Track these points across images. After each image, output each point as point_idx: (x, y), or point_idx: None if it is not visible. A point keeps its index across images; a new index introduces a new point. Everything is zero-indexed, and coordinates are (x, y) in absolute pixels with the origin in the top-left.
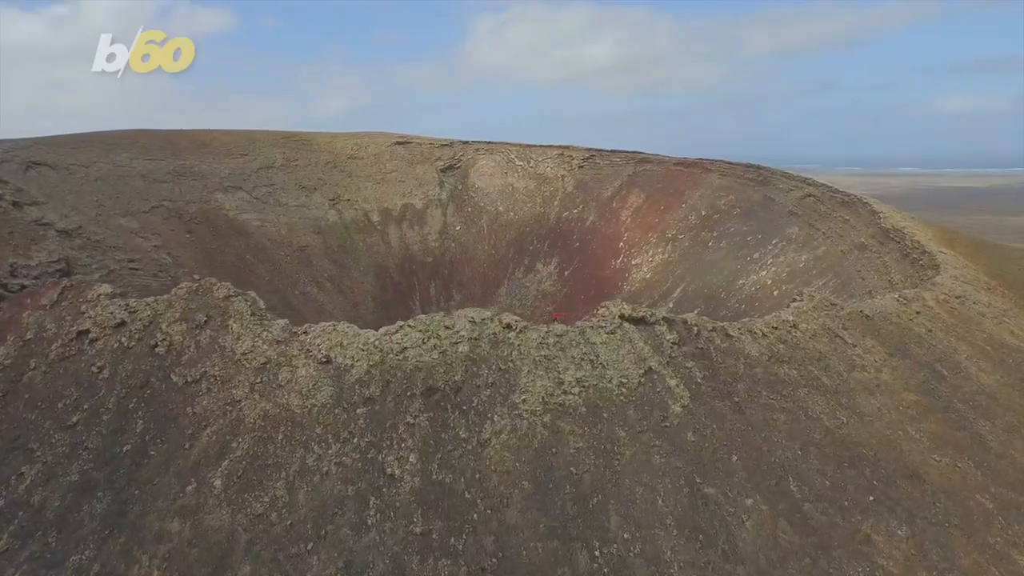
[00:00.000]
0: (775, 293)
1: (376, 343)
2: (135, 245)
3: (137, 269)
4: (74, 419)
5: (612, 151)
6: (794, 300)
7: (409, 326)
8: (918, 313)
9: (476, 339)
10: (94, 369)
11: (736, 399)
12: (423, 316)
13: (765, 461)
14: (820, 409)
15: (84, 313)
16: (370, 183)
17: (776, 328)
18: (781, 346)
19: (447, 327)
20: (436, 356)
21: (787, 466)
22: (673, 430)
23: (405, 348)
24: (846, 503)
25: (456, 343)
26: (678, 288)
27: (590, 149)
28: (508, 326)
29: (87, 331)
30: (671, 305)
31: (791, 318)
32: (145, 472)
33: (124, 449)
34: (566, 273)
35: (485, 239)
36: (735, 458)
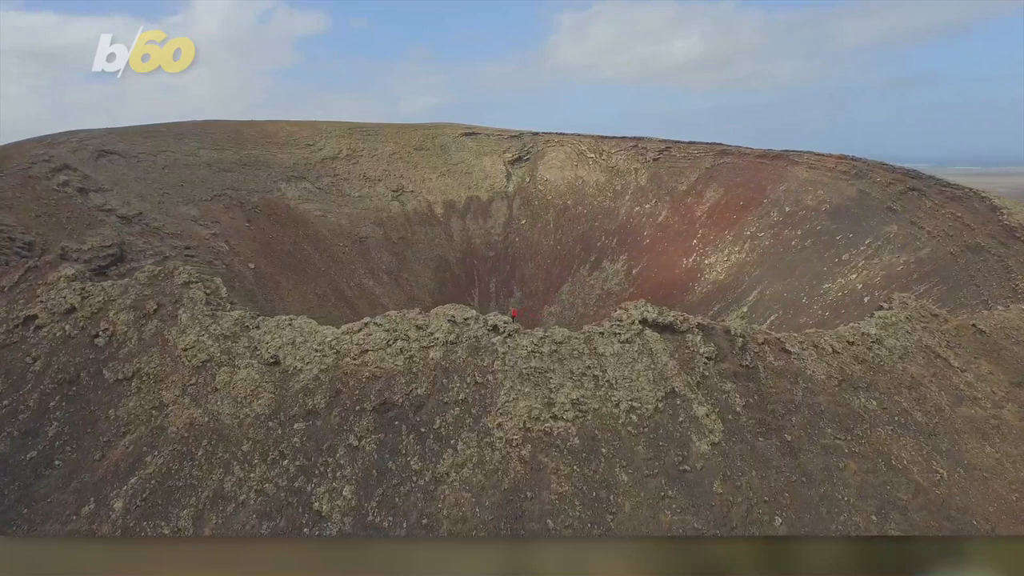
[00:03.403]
0: (865, 299)
1: (333, 343)
2: (193, 232)
3: (192, 256)
4: None
5: (690, 143)
6: (880, 307)
7: (376, 324)
8: None
9: (453, 343)
10: (28, 360)
11: (788, 437)
12: (393, 313)
13: (823, 528)
14: (909, 457)
15: (38, 296)
16: (435, 174)
17: (852, 343)
18: (857, 367)
19: (419, 327)
20: (400, 362)
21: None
22: (695, 476)
23: (365, 351)
24: None
25: (427, 347)
26: (754, 291)
27: (666, 141)
28: (494, 328)
29: (35, 316)
30: (745, 309)
31: (874, 330)
32: (43, 486)
33: (29, 456)
34: (634, 271)
35: (551, 234)
36: (779, 521)
